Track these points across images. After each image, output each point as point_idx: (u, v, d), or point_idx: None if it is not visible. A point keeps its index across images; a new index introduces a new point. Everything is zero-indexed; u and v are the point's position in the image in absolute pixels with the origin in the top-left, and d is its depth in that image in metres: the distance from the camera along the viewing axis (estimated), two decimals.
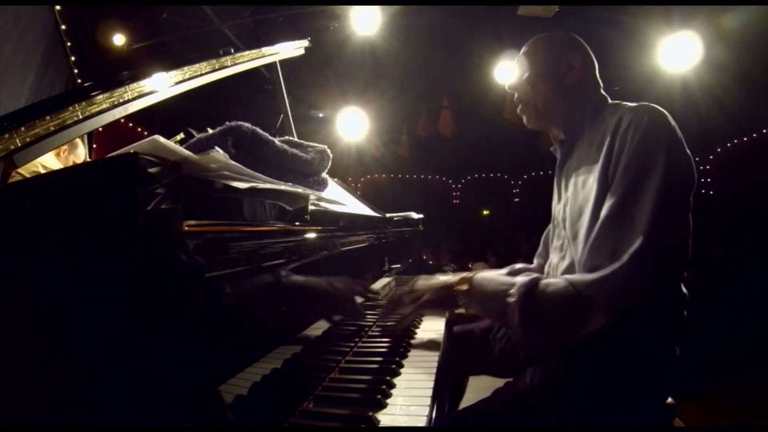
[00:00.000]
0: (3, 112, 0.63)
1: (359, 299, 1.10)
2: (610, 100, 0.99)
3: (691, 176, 0.82)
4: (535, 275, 0.85)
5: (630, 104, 0.90)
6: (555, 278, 0.83)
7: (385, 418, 0.66)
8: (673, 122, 0.83)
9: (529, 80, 1.02)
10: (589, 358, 0.80)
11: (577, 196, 0.91)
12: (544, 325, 0.81)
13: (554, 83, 0.99)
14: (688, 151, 0.82)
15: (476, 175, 9.73)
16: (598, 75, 1.02)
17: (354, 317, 1.06)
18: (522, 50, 1.06)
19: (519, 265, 1.29)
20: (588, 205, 0.86)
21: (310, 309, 0.86)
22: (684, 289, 0.84)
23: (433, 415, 0.69)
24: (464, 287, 0.93)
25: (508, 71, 1.08)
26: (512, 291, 0.83)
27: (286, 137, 1.03)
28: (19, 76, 3.05)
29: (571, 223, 0.92)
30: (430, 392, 0.75)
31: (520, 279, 0.85)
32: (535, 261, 1.26)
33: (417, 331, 1.12)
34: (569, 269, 0.92)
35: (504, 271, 1.29)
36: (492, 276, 0.92)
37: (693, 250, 0.80)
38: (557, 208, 1.04)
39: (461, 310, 1.06)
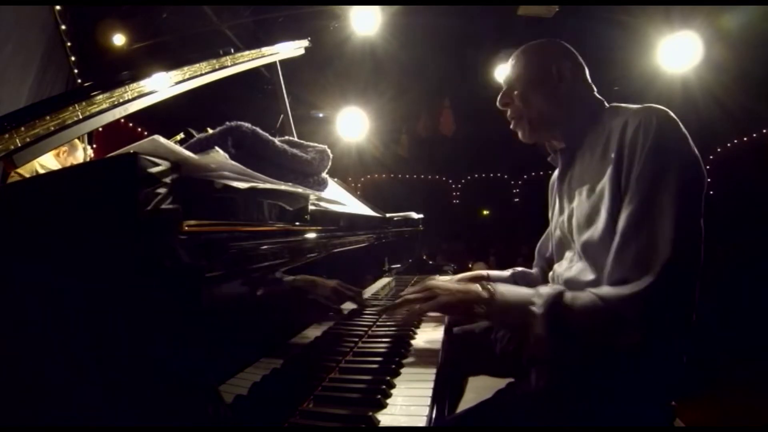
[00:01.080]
0: (3, 112, 0.63)
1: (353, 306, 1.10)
2: (607, 103, 0.97)
3: (703, 175, 0.80)
4: (559, 287, 0.83)
5: (632, 107, 0.88)
6: (580, 291, 0.80)
7: (385, 418, 0.66)
8: (679, 122, 0.81)
9: (520, 95, 0.99)
10: (593, 361, 0.79)
11: (584, 207, 0.89)
12: (573, 339, 0.79)
13: (546, 95, 0.96)
14: (696, 151, 0.80)
15: (476, 175, 9.74)
16: (589, 78, 1.00)
17: (356, 301, 1.05)
18: (509, 63, 1.03)
19: (520, 269, 1.29)
20: (600, 216, 0.84)
21: (310, 309, 0.86)
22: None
23: (433, 415, 0.69)
24: (485, 294, 0.87)
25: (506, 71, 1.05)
26: (538, 301, 0.81)
27: (286, 137, 1.03)
28: (19, 76, 3.05)
29: (579, 234, 0.90)
30: (430, 392, 0.75)
31: (545, 289, 0.82)
32: (534, 269, 1.26)
33: (417, 331, 1.12)
34: (575, 278, 0.90)
35: (507, 273, 1.29)
36: (513, 287, 0.90)
37: None
38: (560, 219, 1.01)
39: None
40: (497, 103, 1.04)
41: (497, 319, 0.93)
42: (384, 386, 0.75)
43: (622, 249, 0.78)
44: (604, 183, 0.84)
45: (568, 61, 0.98)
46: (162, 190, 0.46)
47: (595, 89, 1.00)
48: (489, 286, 0.88)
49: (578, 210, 0.92)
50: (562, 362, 0.85)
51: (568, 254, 0.98)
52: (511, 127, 1.05)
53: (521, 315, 0.82)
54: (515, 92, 1.00)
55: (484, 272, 1.27)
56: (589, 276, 0.86)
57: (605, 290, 0.78)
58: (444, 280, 1.11)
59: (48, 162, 2.21)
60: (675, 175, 0.76)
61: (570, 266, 0.94)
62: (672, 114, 0.82)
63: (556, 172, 1.06)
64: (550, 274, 1.05)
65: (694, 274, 0.76)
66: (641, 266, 0.74)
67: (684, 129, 0.81)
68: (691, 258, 0.75)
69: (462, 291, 0.90)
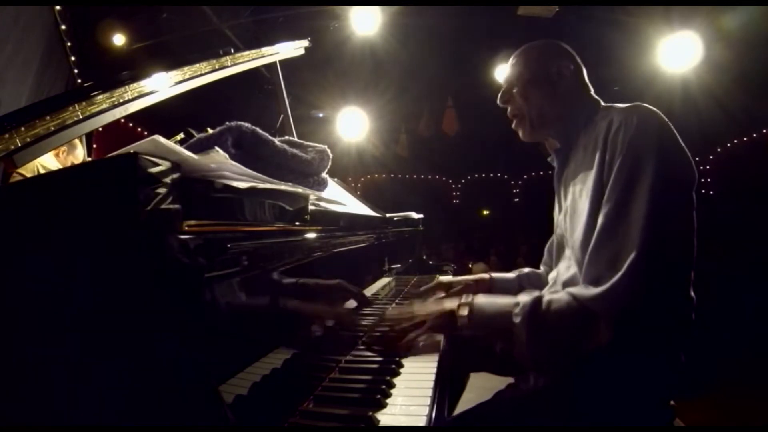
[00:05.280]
0: (3, 112, 0.63)
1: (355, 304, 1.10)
2: (603, 103, 0.98)
3: (689, 173, 0.80)
4: (536, 293, 0.84)
5: (621, 106, 0.89)
6: (556, 293, 0.82)
7: (385, 418, 0.66)
8: (665, 120, 0.81)
9: (520, 93, 1.00)
10: (593, 361, 0.79)
11: (576, 205, 0.90)
12: (552, 342, 0.80)
13: (546, 94, 0.98)
14: (684, 148, 0.80)
15: (476, 175, 9.74)
16: (587, 78, 1.01)
17: (360, 303, 1.06)
18: (510, 62, 1.04)
19: (527, 270, 1.28)
20: (585, 214, 0.85)
21: (310, 308, 0.86)
22: (692, 293, 0.82)
23: (433, 415, 0.69)
24: (465, 312, 0.89)
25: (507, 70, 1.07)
26: (517, 311, 0.82)
27: (286, 137, 1.03)
28: (19, 76, 3.05)
29: (572, 232, 0.91)
30: (430, 392, 0.75)
31: (522, 298, 0.84)
32: (542, 267, 1.25)
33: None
34: (572, 279, 0.90)
35: (512, 275, 1.28)
36: (492, 298, 0.91)
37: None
38: (559, 218, 1.03)
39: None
40: (498, 101, 1.06)
41: (481, 332, 0.94)
42: (384, 386, 0.75)
43: (597, 248, 0.79)
44: (589, 183, 0.85)
45: (567, 61, 0.99)
46: (162, 190, 0.46)
47: (592, 89, 1.01)
48: (468, 302, 0.90)
49: (570, 210, 0.93)
50: (545, 367, 0.86)
51: (567, 253, 0.99)
52: (513, 126, 1.06)
53: (503, 325, 0.84)
54: (515, 90, 1.01)
55: (487, 275, 1.26)
56: (580, 276, 0.87)
57: (578, 289, 0.79)
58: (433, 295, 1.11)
59: (48, 162, 2.21)
60: (651, 174, 0.76)
61: (568, 265, 0.95)
62: (657, 113, 0.83)
63: (555, 172, 1.07)
64: (552, 274, 1.05)
65: (670, 270, 0.76)
66: (613, 265, 0.75)
67: (669, 127, 0.81)
68: (663, 254, 0.75)
69: (443, 314, 0.92)
